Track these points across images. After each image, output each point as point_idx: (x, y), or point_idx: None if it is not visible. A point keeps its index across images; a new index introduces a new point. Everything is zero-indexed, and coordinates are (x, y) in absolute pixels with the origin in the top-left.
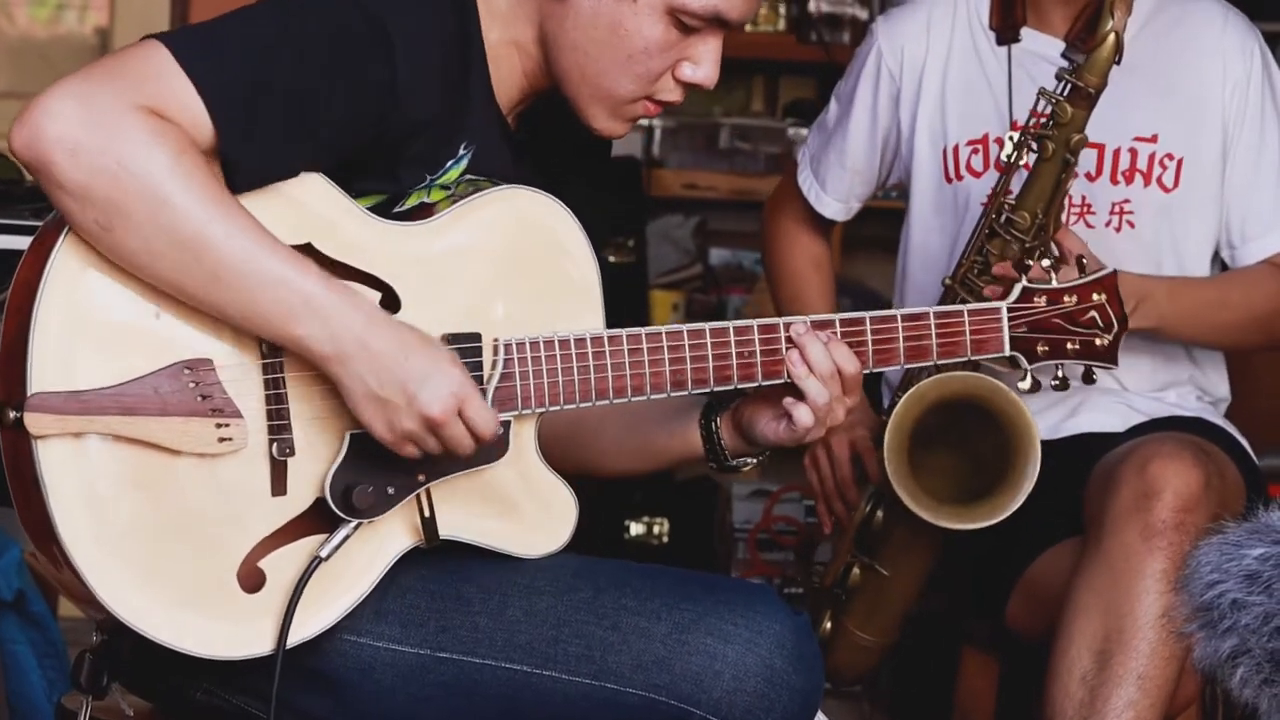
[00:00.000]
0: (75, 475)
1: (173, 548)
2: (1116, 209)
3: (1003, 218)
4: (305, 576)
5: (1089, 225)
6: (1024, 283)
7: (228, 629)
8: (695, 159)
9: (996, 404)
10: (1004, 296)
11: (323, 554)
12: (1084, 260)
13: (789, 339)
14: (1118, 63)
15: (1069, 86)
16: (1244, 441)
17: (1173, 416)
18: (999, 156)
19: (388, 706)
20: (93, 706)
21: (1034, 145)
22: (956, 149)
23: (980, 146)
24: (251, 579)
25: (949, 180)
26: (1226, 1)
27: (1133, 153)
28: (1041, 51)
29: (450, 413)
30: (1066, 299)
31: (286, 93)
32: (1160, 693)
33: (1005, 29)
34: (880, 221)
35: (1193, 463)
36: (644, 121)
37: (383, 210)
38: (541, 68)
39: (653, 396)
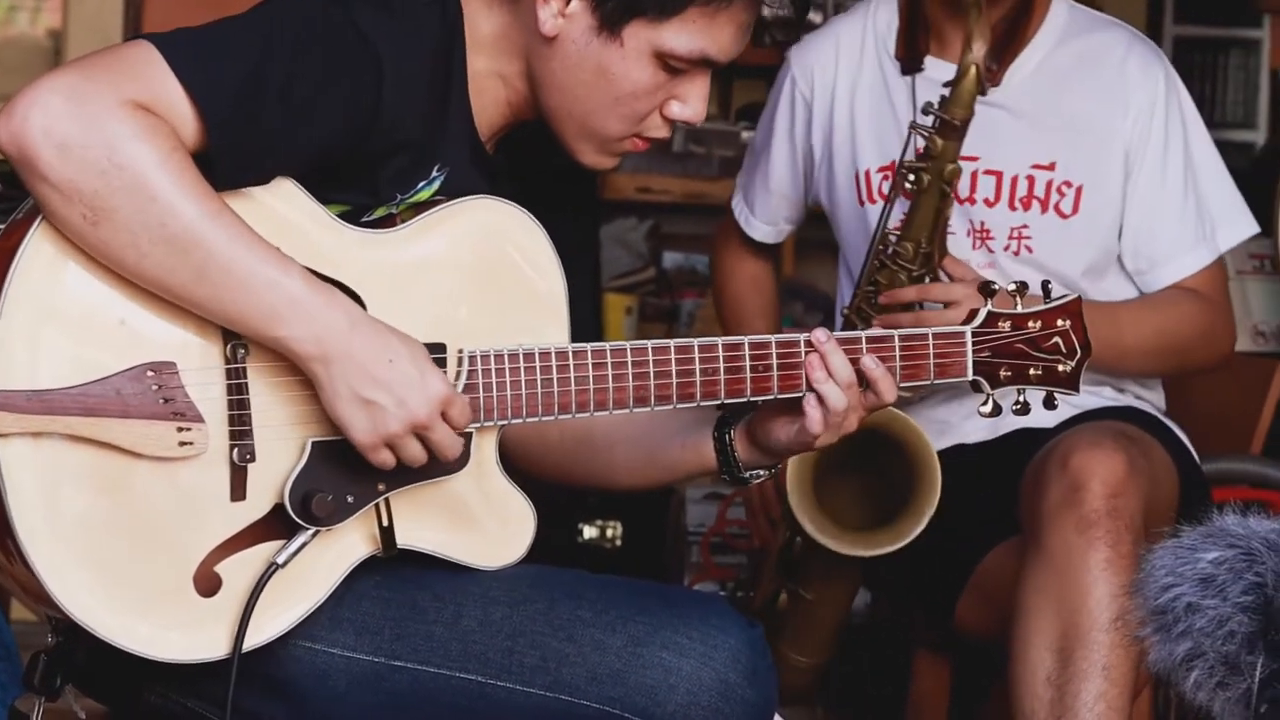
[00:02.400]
0: (34, 474)
1: (130, 549)
2: (1015, 234)
3: (889, 249)
4: (262, 582)
5: (990, 250)
6: (989, 307)
7: (183, 633)
8: (648, 162)
9: (896, 431)
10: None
11: (280, 560)
12: (1049, 286)
13: (808, 344)
14: (983, 94)
15: (937, 120)
16: (1175, 428)
17: (1104, 408)
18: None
19: (342, 713)
20: (45, 709)
21: (911, 178)
22: (868, 174)
23: (889, 172)
24: (208, 583)
25: (861, 204)
26: (1133, 30)
27: (1030, 180)
28: (943, 79)
29: (436, 416)
30: (1031, 324)
31: (274, 100)
32: (1126, 679)
33: (908, 59)
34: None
35: (1113, 448)
36: None
37: (350, 220)
38: (526, 100)
39: (614, 411)
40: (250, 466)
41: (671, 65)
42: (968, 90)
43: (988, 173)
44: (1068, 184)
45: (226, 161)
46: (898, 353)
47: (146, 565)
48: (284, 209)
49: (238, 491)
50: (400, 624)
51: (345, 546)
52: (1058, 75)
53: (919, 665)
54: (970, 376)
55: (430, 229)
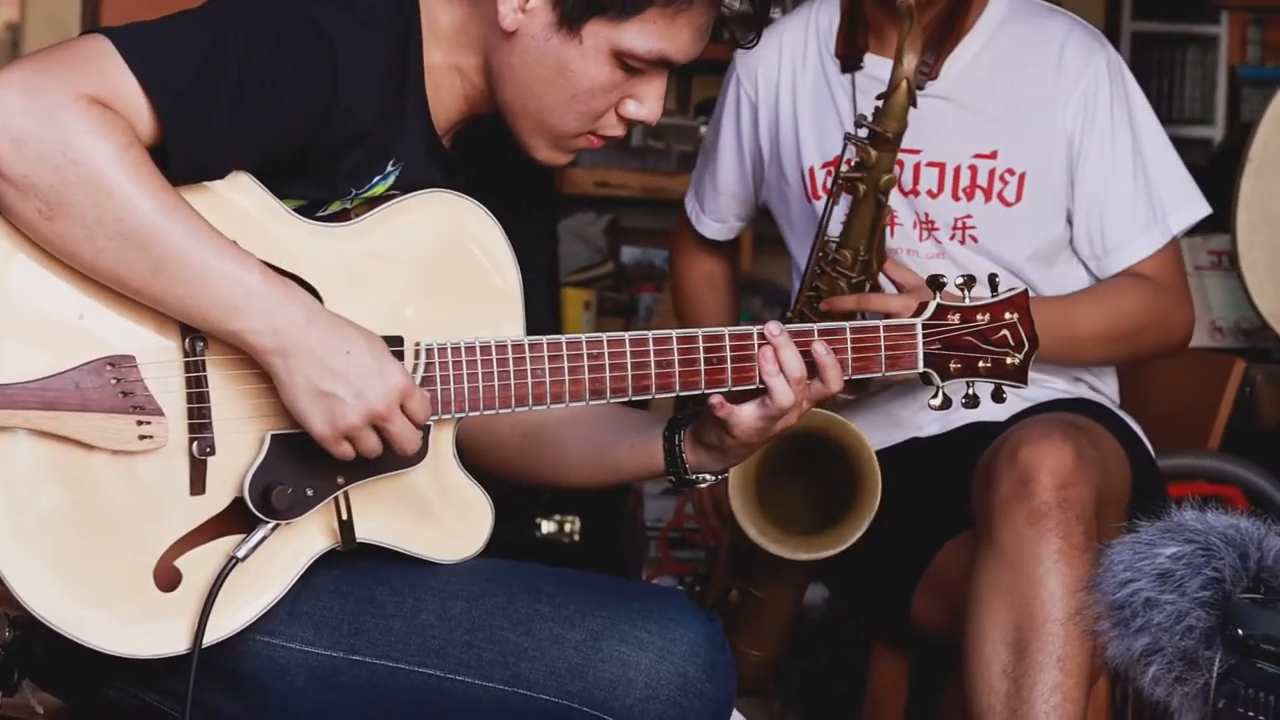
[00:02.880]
0: None
1: (89, 544)
2: (959, 224)
3: (829, 256)
4: (221, 576)
5: (937, 241)
6: (938, 300)
7: (143, 627)
8: (607, 157)
9: (836, 435)
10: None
11: (239, 554)
12: (996, 279)
13: (762, 336)
14: (914, 105)
15: (870, 132)
16: (1128, 418)
17: (1056, 400)
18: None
19: (300, 707)
20: (2, 703)
21: (847, 188)
22: (812, 170)
23: (833, 169)
24: (168, 577)
25: (809, 200)
26: (1073, 18)
27: (973, 170)
28: (884, 78)
29: (394, 408)
30: (979, 317)
31: (229, 94)
32: (1081, 670)
33: (848, 57)
34: None
35: (1061, 439)
36: None
37: (305, 214)
38: (483, 94)
39: (571, 404)
40: (210, 460)
41: (630, 65)
42: (899, 104)
43: (930, 164)
44: (1010, 172)
45: (181, 155)
46: (849, 345)
47: (106, 560)
48: (241, 202)
49: (197, 485)
50: (359, 618)
51: (304, 540)
52: (996, 64)
53: (876, 660)
54: (920, 369)
55: (386, 222)
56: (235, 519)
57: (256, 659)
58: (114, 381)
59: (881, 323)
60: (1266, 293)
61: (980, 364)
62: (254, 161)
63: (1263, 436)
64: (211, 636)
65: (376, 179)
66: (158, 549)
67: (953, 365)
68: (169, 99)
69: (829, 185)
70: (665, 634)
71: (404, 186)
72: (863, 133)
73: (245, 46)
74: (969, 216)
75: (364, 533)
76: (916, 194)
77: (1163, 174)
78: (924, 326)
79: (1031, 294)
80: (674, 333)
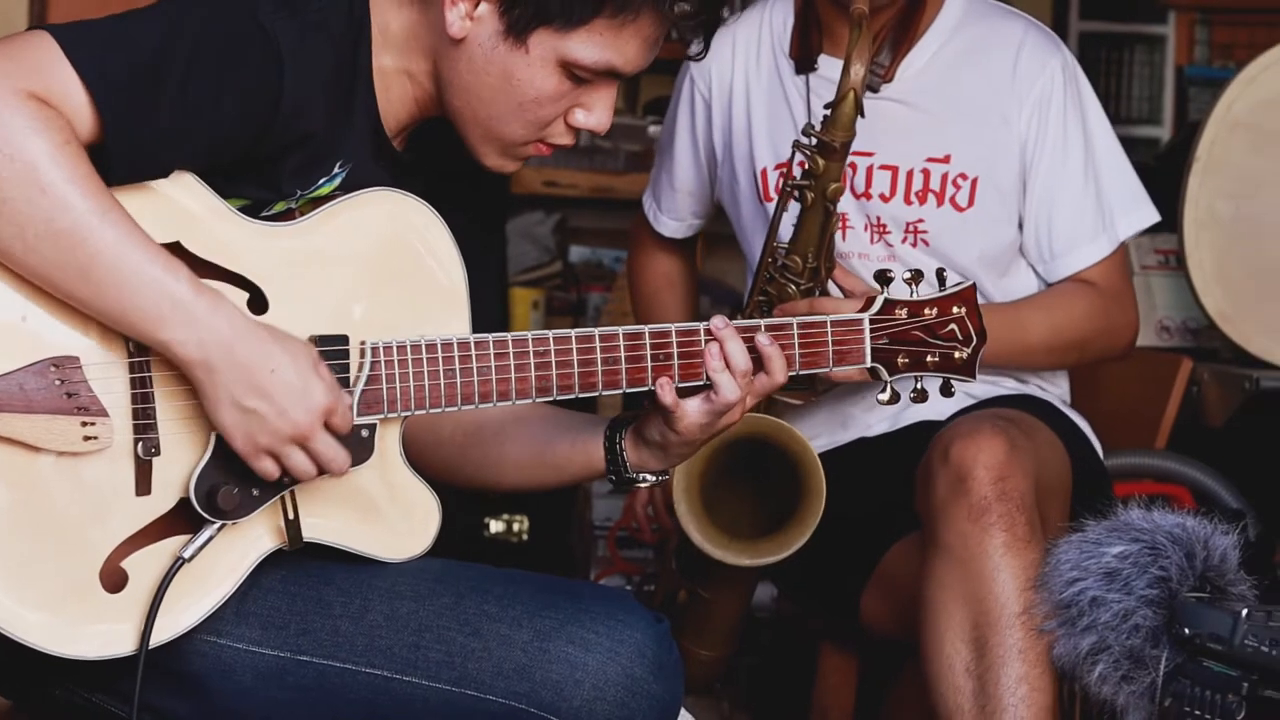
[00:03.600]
0: None
1: (35, 545)
2: (911, 228)
3: (778, 262)
4: (168, 577)
5: (888, 244)
6: (886, 294)
7: (89, 629)
8: (555, 157)
9: (782, 441)
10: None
11: (186, 555)
12: (944, 273)
13: (708, 332)
14: (861, 115)
15: (817, 141)
16: (1074, 415)
17: (997, 397)
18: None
19: (247, 708)
20: None
21: (796, 195)
22: (765, 172)
23: (785, 170)
24: (114, 578)
25: (761, 201)
26: (1029, 20)
27: (925, 173)
28: (837, 79)
29: (317, 426)
30: (927, 311)
31: (172, 93)
32: (1044, 658)
33: (803, 59)
34: None
35: (992, 432)
36: None
37: (249, 214)
38: (433, 98)
39: (518, 402)
40: (155, 460)
41: (577, 75)
42: (846, 114)
43: (883, 167)
44: (963, 176)
45: (122, 152)
46: (796, 340)
47: (53, 562)
48: (185, 200)
49: (142, 486)
50: (306, 619)
51: (251, 540)
52: (951, 67)
53: (824, 659)
54: (869, 364)
55: (330, 221)
56: (181, 519)
57: (203, 659)
58: (58, 383)
59: (829, 318)
60: (1213, 292)
61: (928, 358)
62: (197, 161)
63: (1209, 435)
64: (159, 637)
65: (323, 180)
66: (104, 550)
67: (900, 360)
68: (110, 95)
69: (780, 185)
70: (613, 635)
71: (351, 187)
72: (810, 141)
73: (191, 47)
74: (921, 220)
75: (311, 532)
76: (869, 197)
77: (1113, 180)
78: (871, 321)
79: (982, 300)
80: (620, 329)
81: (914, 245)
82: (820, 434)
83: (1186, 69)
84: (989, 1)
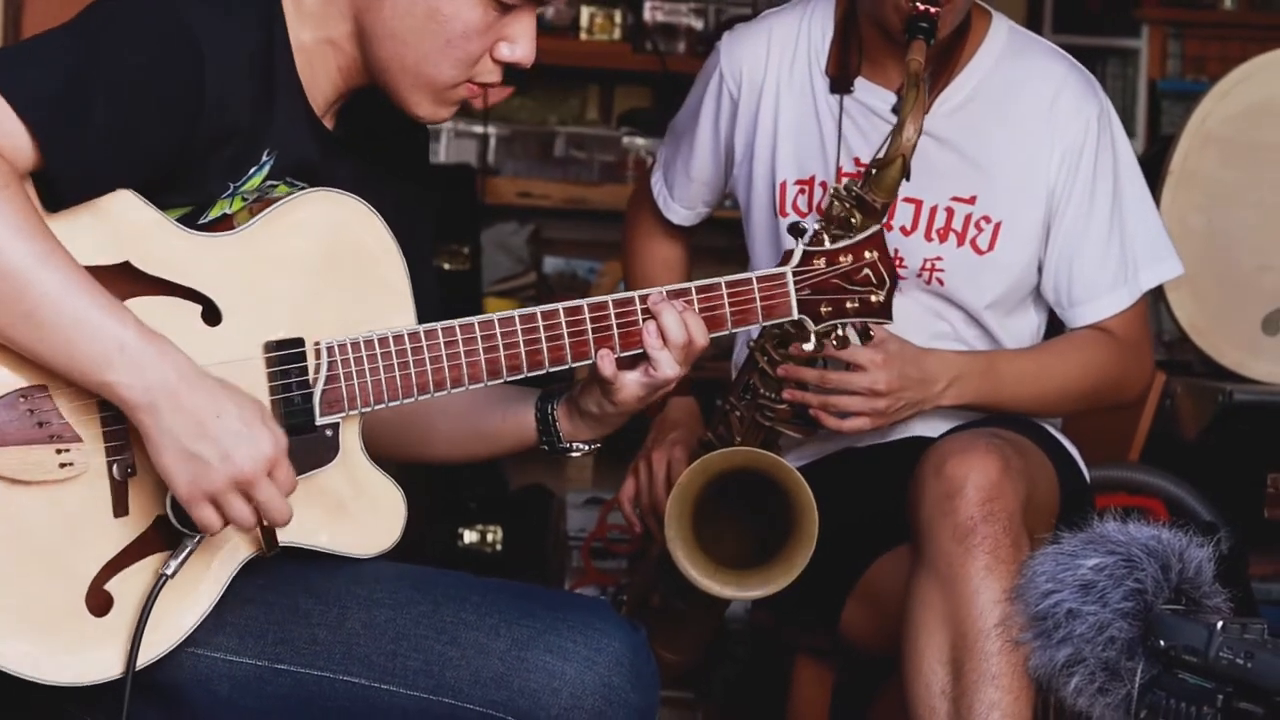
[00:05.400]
0: None
1: (19, 576)
2: (928, 265)
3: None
4: (153, 595)
5: (901, 277)
6: (803, 246)
7: (79, 654)
8: (530, 167)
9: (779, 477)
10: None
11: (168, 571)
12: (801, 227)
13: (645, 309)
14: (907, 179)
15: (857, 197)
16: (1063, 439)
17: (988, 416)
18: (819, 202)
19: (225, 717)
20: None
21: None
22: (784, 186)
23: (806, 188)
24: (99, 601)
25: (777, 215)
26: (1070, 61)
27: (949, 212)
28: (873, 105)
29: (261, 475)
30: (843, 259)
31: (104, 107)
32: (1018, 686)
33: (840, 79)
34: (719, 230)
35: (985, 450)
36: (479, 129)
37: (188, 222)
38: (358, 64)
39: (470, 387)
40: (130, 480)
41: (503, 1)
42: (892, 178)
43: (907, 200)
44: (986, 219)
45: (68, 174)
46: (726, 299)
47: (38, 591)
48: (129, 219)
49: (120, 507)
50: (283, 627)
51: (228, 550)
52: (987, 108)
53: (799, 670)
54: (795, 315)
55: (271, 226)
56: (159, 537)
57: (181, 670)
58: (29, 412)
59: (754, 274)
60: (1186, 305)
61: (848, 304)
62: (138, 170)
63: (1183, 448)
64: (146, 656)
65: (253, 170)
66: (88, 575)
67: (823, 309)
68: (40, 113)
69: (798, 203)
70: (590, 644)
71: (281, 172)
72: (847, 192)
73: (112, 52)
74: (939, 259)
75: (285, 536)
76: (890, 228)
77: (1138, 231)
78: (794, 274)
79: (986, 339)
80: (560, 305)
81: (928, 283)
82: (808, 443)
83: (1159, 82)
84: (1030, 36)
